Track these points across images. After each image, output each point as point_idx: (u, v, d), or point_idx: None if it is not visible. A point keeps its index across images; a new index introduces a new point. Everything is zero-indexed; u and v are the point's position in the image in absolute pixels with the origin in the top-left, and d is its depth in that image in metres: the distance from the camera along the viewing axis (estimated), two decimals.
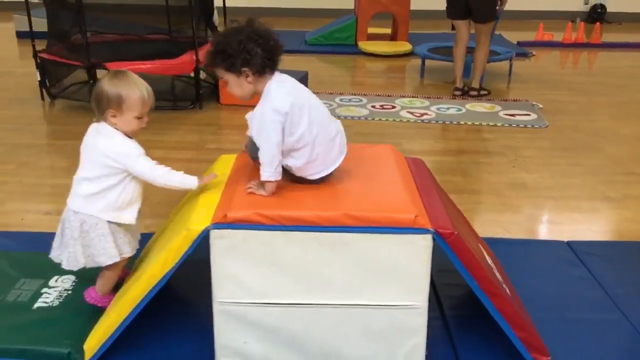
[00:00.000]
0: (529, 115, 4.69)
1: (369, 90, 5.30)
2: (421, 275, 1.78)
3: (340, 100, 4.99)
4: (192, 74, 4.72)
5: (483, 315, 1.97)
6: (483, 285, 1.80)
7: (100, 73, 4.57)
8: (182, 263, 1.80)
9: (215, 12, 5.26)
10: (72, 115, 4.54)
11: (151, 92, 1.95)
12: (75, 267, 1.98)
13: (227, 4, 5.23)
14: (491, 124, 4.49)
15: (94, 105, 1.93)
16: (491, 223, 2.95)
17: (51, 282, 2.25)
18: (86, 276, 2.25)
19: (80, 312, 2.07)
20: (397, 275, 1.78)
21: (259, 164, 1.87)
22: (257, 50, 1.79)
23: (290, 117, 1.81)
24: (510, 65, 5.80)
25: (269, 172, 1.82)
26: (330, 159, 1.92)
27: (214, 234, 1.74)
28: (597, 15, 8.96)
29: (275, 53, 1.84)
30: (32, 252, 2.50)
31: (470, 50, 5.24)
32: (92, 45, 4.44)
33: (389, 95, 5.16)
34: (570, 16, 8.77)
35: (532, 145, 4.08)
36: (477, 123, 4.51)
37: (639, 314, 2.20)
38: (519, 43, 7.29)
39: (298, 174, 1.91)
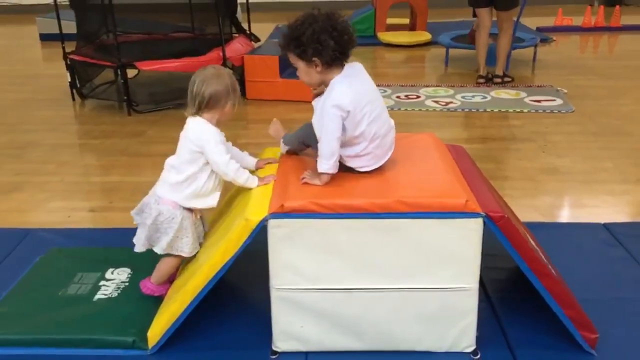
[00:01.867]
0: (554, 100, 4.71)
1: (392, 81, 5.34)
2: (472, 258, 1.84)
3: None
4: None
5: (527, 297, 2.06)
6: (533, 266, 1.85)
7: (130, 72, 4.68)
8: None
9: (239, 8, 5.32)
10: (102, 115, 4.64)
11: None
12: (137, 245, 2.09)
13: (250, 0, 5.29)
14: (517, 110, 4.52)
15: (196, 103, 1.99)
16: (527, 208, 2.99)
17: (107, 275, 2.34)
18: (140, 268, 2.35)
19: (140, 302, 2.16)
20: (449, 259, 1.84)
21: (315, 149, 1.94)
22: (330, 42, 1.82)
23: (352, 115, 1.86)
24: (535, 52, 5.81)
25: (327, 165, 1.88)
26: (380, 155, 1.98)
27: (272, 223, 1.81)
28: None
29: (347, 47, 1.87)
30: (85, 247, 2.60)
31: (493, 38, 5.26)
32: (121, 45, 4.52)
33: (412, 85, 5.20)
34: (588, 0, 8.73)
35: (561, 130, 4.10)
36: (503, 110, 4.54)
37: None
38: (538, 29, 7.28)
39: (347, 163, 1.97)
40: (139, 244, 2.10)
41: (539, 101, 4.70)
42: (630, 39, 7.06)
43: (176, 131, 2.10)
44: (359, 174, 1.98)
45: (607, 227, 2.72)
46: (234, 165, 2.00)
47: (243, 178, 2.01)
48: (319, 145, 1.90)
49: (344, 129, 1.88)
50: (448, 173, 1.98)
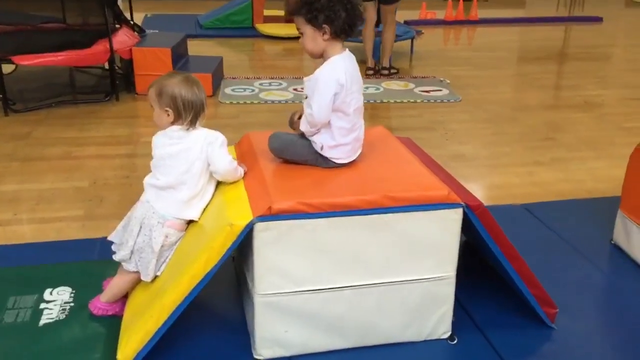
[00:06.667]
0: (440, 90, 4.98)
1: (284, 74, 5.32)
2: (452, 247, 1.90)
3: (260, 84, 4.97)
4: (106, 65, 4.47)
5: (481, 278, 2.24)
6: (506, 251, 1.95)
7: (6, 67, 4.21)
8: None
9: None
10: None
11: None
12: (145, 277, 1.91)
13: None
14: (411, 100, 4.71)
15: (192, 115, 1.88)
16: None
17: (46, 296, 2.10)
18: (82, 284, 2.15)
19: (94, 322, 1.97)
20: (431, 249, 1.88)
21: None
22: (343, 13, 1.86)
23: (344, 91, 1.88)
24: (412, 44, 6.09)
25: (307, 130, 1.96)
26: (357, 148, 2.02)
27: (259, 226, 1.73)
28: None
29: (356, 22, 1.91)
30: (8, 267, 2.30)
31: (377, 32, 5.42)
32: None
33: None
34: None
35: (455, 118, 4.35)
36: (398, 101, 4.71)
37: (605, 262, 2.50)
38: (405, 22, 7.62)
39: (326, 154, 1.96)
40: (151, 275, 1.90)
41: (428, 91, 4.94)
42: (487, 32, 7.66)
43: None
44: (335, 171, 1.96)
45: (527, 208, 2.94)
46: (235, 164, 1.94)
47: (239, 173, 1.96)
48: (308, 112, 1.91)
49: (338, 109, 1.90)
50: (420, 166, 2.02)
